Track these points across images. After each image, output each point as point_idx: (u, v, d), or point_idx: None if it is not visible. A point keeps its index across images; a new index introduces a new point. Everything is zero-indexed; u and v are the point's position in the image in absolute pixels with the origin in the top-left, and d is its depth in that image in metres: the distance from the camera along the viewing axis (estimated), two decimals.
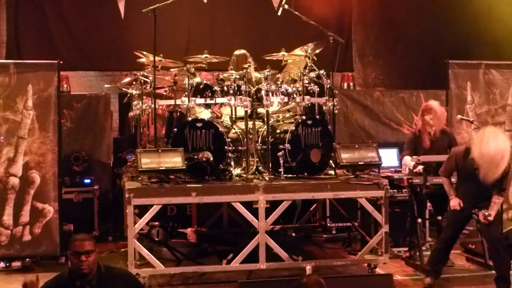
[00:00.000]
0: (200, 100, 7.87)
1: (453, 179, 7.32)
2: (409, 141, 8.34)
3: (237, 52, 8.87)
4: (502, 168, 6.65)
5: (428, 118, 8.12)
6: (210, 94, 7.89)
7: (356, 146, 8.15)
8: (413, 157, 7.96)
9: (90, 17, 11.10)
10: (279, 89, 7.90)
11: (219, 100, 7.86)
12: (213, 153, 7.47)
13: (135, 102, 8.62)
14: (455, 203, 7.07)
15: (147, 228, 8.43)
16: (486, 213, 6.83)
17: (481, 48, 10.66)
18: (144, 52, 8.39)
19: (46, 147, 8.05)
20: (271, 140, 7.76)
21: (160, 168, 7.29)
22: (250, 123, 7.88)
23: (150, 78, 8.20)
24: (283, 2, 8.55)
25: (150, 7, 7.92)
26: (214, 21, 11.44)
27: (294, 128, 7.69)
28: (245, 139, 7.77)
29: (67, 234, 8.05)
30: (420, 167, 7.81)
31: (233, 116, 8.04)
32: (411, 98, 10.59)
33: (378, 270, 7.70)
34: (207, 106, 8.01)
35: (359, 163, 7.89)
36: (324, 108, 8.12)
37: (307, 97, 7.90)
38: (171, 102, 8.23)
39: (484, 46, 10.74)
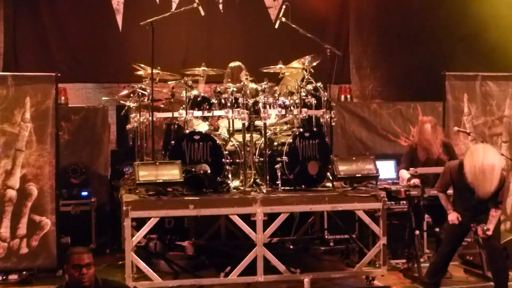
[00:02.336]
0: (198, 113, 7.89)
1: (450, 191, 7.32)
2: (406, 155, 8.36)
3: (232, 64, 8.89)
4: (495, 182, 6.65)
5: (418, 134, 8.19)
6: (207, 107, 7.91)
7: (354, 158, 8.17)
8: (411, 168, 7.97)
9: (88, 30, 11.12)
10: (277, 101, 7.93)
11: (217, 112, 7.88)
12: (211, 166, 7.47)
13: (132, 115, 8.63)
14: (453, 217, 7.05)
15: (145, 240, 8.41)
16: (485, 228, 6.81)
17: (477, 60, 10.69)
18: (142, 65, 8.41)
19: (44, 159, 8.03)
20: (269, 152, 7.77)
21: (158, 181, 7.30)
22: (247, 136, 7.89)
23: (148, 90, 8.21)
24: (281, 15, 8.58)
25: (148, 20, 7.95)
26: (212, 33, 11.47)
27: (291, 140, 7.70)
28: (242, 152, 7.77)
29: (64, 247, 8.02)
30: (414, 181, 7.83)
31: (231, 128, 8.04)
32: (408, 110, 10.60)
33: (376, 282, 7.71)
34: (205, 118, 8.03)
35: (357, 175, 7.92)
36: (321, 120, 8.15)
37: (304, 110, 7.93)
38: (169, 114, 8.25)
39: (480, 58, 10.76)
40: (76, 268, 4.78)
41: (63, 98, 10.18)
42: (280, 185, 7.62)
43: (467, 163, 6.72)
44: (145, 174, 7.32)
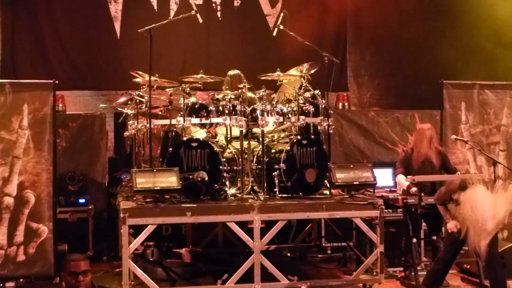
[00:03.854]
0: (195, 120, 7.89)
1: None
2: (402, 160, 8.36)
3: (231, 72, 8.90)
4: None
5: (418, 141, 8.20)
6: (205, 114, 7.92)
7: (351, 166, 8.18)
8: (408, 177, 7.97)
9: (86, 37, 11.11)
10: (274, 109, 7.93)
11: (214, 120, 7.89)
12: (208, 173, 7.48)
13: (130, 122, 8.63)
14: (451, 225, 7.05)
15: (142, 248, 8.40)
16: None
17: (475, 69, 10.71)
18: (140, 72, 8.41)
19: (41, 166, 8.02)
20: (266, 160, 7.77)
21: (155, 188, 7.30)
22: (245, 143, 7.89)
23: (146, 97, 8.22)
24: (279, 23, 8.60)
25: (146, 27, 7.96)
26: (210, 41, 11.48)
27: (289, 148, 7.71)
28: (240, 159, 7.78)
29: (61, 254, 8.01)
30: (415, 189, 7.82)
31: (228, 136, 8.05)
32: (405, 118, 10.61)
33: None
34: (202, 126, 8.04)
35: (354, 183, 7.92)
36: (319, 128, 8.14)
37: (302, 117, 7.93)
38: (167, 121, 8.25)
39: (478, 66, 10.79)
40: (73, 276, 4.77)
41: (60, 105, 10.16)
42: (277, 192, 7.62)
43: (465, 206, 6.74)
44: (142, 181, 7.31)
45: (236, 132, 7.94)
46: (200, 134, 8.08)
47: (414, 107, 10.93)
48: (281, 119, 7.94)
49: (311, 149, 7.78)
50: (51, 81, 8.17)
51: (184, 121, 7.83)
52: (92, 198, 9.60)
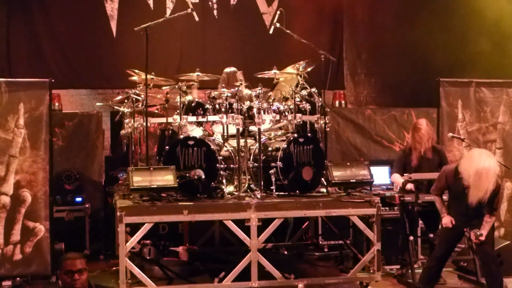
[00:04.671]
0: (192, 118, 7.88)
1: (445, 197, 7.33)
2: (398, 159, 8.37)
3: (227, 70, 8.89)
4: (488, 188, 6.66)
5: (417, 136, 8.17)
6: (202, 112, 7.91)
7: (348, 164, 8.20)
8: (405, 174, 7.98)
9: (82, 36, 11.10)
10: (271, 107, 7.94)
11: (211, 118, 7.89)
12: (205, 171, 7.46)
13: (127, 120, 8.62)
14: (447, 221, 7.07)
15: (139, 246, 8.38)
16: (478, 233, 6.82)
17: (472, 67, 10.72)
18: (136, 70, 8.41)
19: (38, 165, 8.01)
20: (263, 158, 7.77)
21: (152, 186, 7.29)
22: (242, 141, 7.89)
23: (142, 96, 8.22)
24: (275, 21, 8.58)
25: (142, 26, 7.95)
26: (206, 39, 11.47)
27: (286, 146, 7.70)
28: (237, 157, 7.77)
29: (58, 253, 7.99)
30: (410, 185, 7.82)
31: (225, 134, 8.04)
32: (402, 116, 10.62)
33: None
34: (199, 124, 8.02)
35: (351, 180, 7.93)
36: (315, 126, 8.15)
37: (298, 115, 7.94)
38: (163, 120, 8.25)
39: (475, 65, 10.79)
40: (68, 274, 4.76)
41: (57, 104, 10.16)
42: (274, 190, 7.62)
43: (463, 166, 6.76)
44: (139, 179, 7.30)
45: (232, 130, 7.94)
46: (197, 132, 8.07)
47: (410, 105, 10.94)
48: (277, 117, 7.95)
49: (308, 147, 7.78)
50: (47, 80, 8.15)
51: (180, 119, 7.82)
52: (89, 197, 9.59)
